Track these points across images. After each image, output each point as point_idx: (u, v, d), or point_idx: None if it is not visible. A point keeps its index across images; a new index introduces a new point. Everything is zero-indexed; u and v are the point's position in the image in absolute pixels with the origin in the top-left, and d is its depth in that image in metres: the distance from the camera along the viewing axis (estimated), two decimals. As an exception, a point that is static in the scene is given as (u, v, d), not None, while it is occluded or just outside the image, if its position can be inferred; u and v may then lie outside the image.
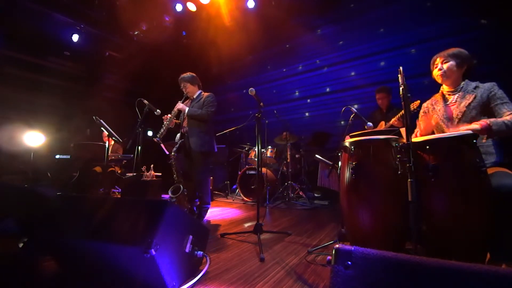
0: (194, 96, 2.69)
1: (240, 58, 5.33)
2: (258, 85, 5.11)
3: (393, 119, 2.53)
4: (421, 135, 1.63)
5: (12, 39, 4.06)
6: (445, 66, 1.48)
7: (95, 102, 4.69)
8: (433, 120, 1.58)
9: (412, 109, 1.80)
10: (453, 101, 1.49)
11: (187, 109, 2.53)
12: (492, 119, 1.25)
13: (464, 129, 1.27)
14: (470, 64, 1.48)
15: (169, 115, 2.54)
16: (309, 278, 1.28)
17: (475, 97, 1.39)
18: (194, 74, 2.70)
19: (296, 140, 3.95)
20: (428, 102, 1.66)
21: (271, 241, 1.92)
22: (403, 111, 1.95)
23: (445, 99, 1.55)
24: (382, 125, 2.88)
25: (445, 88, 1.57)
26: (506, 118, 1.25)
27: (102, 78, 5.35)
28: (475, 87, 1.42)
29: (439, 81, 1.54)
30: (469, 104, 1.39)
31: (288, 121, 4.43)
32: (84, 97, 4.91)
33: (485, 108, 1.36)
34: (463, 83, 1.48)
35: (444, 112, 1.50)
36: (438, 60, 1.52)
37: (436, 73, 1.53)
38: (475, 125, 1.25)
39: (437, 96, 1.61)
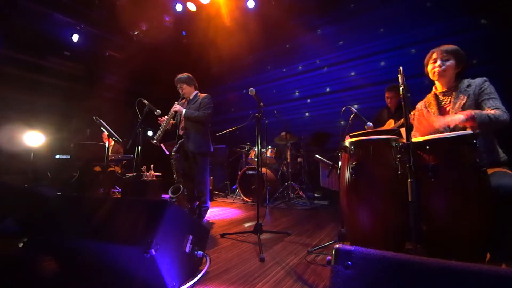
0: (191, 97, 2.69)
1: (240, 58, 5.32)
2: (258, 85, 5.11)
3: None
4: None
5: (12, 39, 4.06)
6: (446, 63, 1.42)
7: (95, 102, 4.69)
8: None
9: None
10: (447, 102, 1.46)
11: (184, 110, 2.53)
12: (477, 111, 1.24)
13: (450, 119, 1.26)
14: (466, 65, 1.44)
15: (166, 117, 2.54)
16: (309, 278, 1.28)
17: (468, 97, 1.36)
18: (190, 75, 2.69)
19: (296, 140, 3.95)
20: (421, 103, 1.62)
21: (271, 241, 1.92)
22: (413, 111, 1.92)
23: (438, 101, 1.51)
24: (390, 124, 2.83)
25: (438, 89, 1.53)
26: (491, 112, 1.24)
27: (102, 78, 5.35)
28: (468, 86, 1.39)
29: (435, 77, 1.48)
30: (464, 104, 1.36)
31: (288, 121, 4.43)
32: (84, 97, 4.91)
33: (478, 105, 1.34)
34: (456, 82, 1.45)
35: (439, 114, 1.47)
36: (436, 55, 1.45)
37: (434, 69, 1.46)
38: (461, 115, 1.23)
39: (430, 97, 1.57)
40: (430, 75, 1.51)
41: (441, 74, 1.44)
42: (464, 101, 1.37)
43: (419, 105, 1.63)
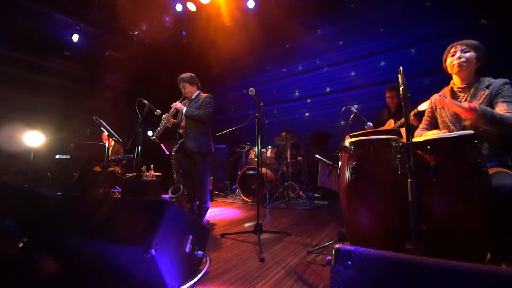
0: (193, 97, 2.69)
1: (240, 58, 5.32)
2: (258, 85, 5.11)
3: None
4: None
5: (12, 39, 4.06)
6: (466, 55, 1.36)
7: (95, 102, 4.69)
8: (440, 118, 1.51)
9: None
10: (463, 99, 1.40)
11: (185, 109, 2.53)
12: (483, 106, 1.21)
13: (455, 104, 1.22)
14: (485, 61, 1.39)
15: (167, 114, 2.54)
16: (309, 278, 1.28)
17: (485, 97, 1.31)
18: (193, 75, 2.70)
19: (296, 140, 3.95)
20: (436, 96, 1.56)
21: (271, 241, 1.92)
22: (415, 110, 1.92)
23: (454, 96, 1.46)
24: (390, 124, 2.82)
25: (456, 83, 1.47)
26: (498, 111, 1.22)
27: (102, 78, 5.35)
28: (488, 85, 1.34)
29: (454, 71, 1.41)
30: (480, 104, 1.30)
31: (288, 121, 4.43)
32: (84, 97, 4.91)
33: (491, 106, 1.29)
34: (475, 79, 1.40)
35: (453, 112, 1.41)
36: (456, 49, 1.40)
37: (453, 61, 1.39)
38: (464, 104, 1.21)
39: (446, 91, 1.51)
40: (449, 69, 1.45)
41: (461, 66, 1.37)
42: (480, 101, 1.32)
43: (433, 99, 1.59)
